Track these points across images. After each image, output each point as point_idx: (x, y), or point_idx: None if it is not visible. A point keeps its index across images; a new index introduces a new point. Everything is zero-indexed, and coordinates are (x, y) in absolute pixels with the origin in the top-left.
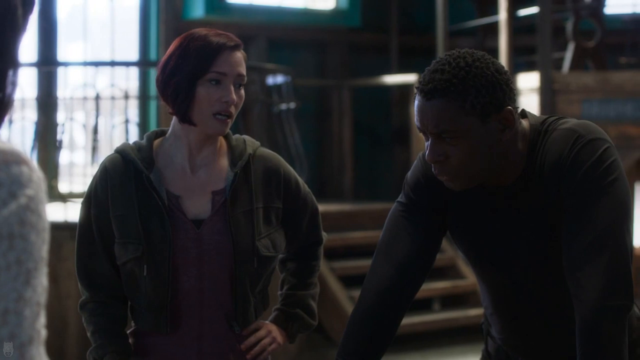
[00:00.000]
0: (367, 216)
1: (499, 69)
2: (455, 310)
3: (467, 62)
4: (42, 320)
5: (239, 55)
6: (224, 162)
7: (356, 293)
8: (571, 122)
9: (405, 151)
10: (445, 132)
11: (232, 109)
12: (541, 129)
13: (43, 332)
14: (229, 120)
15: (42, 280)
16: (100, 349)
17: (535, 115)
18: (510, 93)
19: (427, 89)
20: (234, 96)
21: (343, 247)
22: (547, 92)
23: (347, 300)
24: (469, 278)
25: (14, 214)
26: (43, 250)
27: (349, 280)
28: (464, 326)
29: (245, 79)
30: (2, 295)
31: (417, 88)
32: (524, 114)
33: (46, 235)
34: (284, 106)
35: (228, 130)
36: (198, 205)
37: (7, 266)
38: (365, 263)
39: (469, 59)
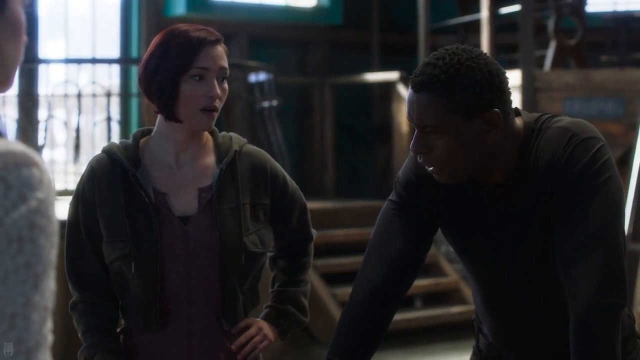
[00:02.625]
0: (349, 214)
1: (492, 70)
2: (437, 308)
3: (460, 59)
4: (49, 325)
5: (220, 49)
6: (211, 159)
7: (339, 291)
8: (565, 120)
9: (387, 149)
10: (428, 126)
11: (217, 103)
12: (535, 126)
13: (50, 337)
14: (214, 113)
15: (50, 284)
16: (91, 349)
17: (528, 113)
18: (502, 95)
19: (416, 81)
20: (218, 90)
21: (325, 244)
22: (528, 90)
23: (329, 297)
24: (451, 275)
25: (23, 217)
26: (52, 254)
27: (331, 278)
28: (446, 323)
29: (228, 72)
30: (11, 299)
31: (410, 78)
32: (518, 112)
33: (55, 239)
34: (266, 104)
35: (214, 124)
36: (184, 202)
37: (16, 270)
38: (347, 261)
39: (464, 56)
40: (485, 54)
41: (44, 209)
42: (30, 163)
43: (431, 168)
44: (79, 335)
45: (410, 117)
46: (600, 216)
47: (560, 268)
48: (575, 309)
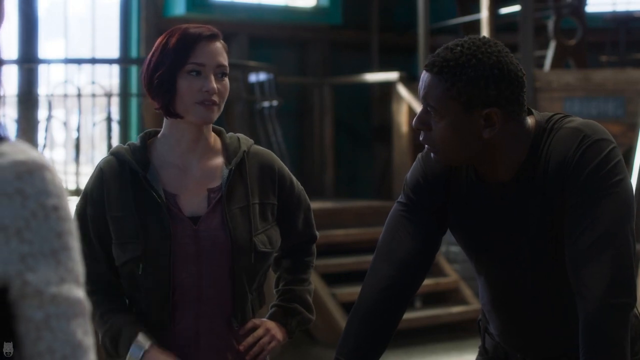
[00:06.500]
0: (349, 214)
1: (504, 69)
2: (437, 308)
3: (476, 50)
4: None
5: (218, 45)
6: (219, 159)
7: (338, 291)
8: (577, 121)
9: (386, 149)
10: (430, 106)
11: (216, 98)
12: (546, 126)
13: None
14: (213, 107)
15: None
16: (113, 327)
17: (540, 113)
18: (509, 95)
19: (430, 61)
20: (214, 85)
21: (325, 244)
22: (528, 90)
23: (329, 297)
24: (451, 276)
25: (50, 229)
26: (77, 246)
27: (331, 278)
28: (446, 323)
29: (227, 68)
30: (70, 304)
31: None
32: (530, 111)
33: (76, 231)
34: (266, 104)
35: (214, 118)
36: (194, 203)
37: (62, 280)
38: (346, 261)
39: (482, 48)
40: (507, 51)
41: (63, 214)
42: (41, 167)
43: (427, 147)
44: (94, 324)
45: (418, 92)
46: (611, 217)
47: (569, 268)
48: (585, 309)
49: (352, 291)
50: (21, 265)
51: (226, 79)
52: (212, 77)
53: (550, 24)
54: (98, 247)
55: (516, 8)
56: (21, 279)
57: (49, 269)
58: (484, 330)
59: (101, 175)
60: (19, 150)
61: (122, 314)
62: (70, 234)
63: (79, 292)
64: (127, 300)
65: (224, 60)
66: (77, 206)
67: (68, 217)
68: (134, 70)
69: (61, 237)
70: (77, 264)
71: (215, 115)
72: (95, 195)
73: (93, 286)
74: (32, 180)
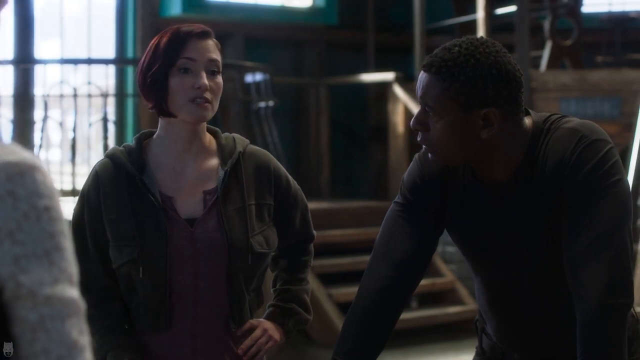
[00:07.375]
0: (345, 214)
1: (502, 69)
2: (433, 308)
3: (474, 50)
4: None
5: (210, 42)
6: (214, 160)
7: (335, 291)
8: (574, 121)
9: (382, 149)
10: (427, 106)
11: (208, 95)
12: (543, 127)
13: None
14: (206, 104)
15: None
16: (101, 349)
17: (537, 113)
18: (507, 96)
19: (428, 61)
20: (205, 81)
21: (321, 245)
22: (524, 90)
23: (325, 298)
24: (447, 276)
25: (42, 230)
26: (71, 246)
27: (327, 278)
28: (443, 323)
29: (219, 64)
30: (64, 304)
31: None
32: (527, 111)
33: (68, 231)
34: (262, 104)
35: (208, 116)
36: (190, 205)
37: (55, 281)
38: (343, 261)
39: (480, 48)
40: (505, 52)
41: (55, 214)
42: (31, 168)
43: (425, 147)
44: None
45: (416, 92)
46: (608, 218)
47: (567, 268)
48: (583, 309)
49: (348, 291)
50: (14, 267)
51: (219, 77)
52: (204, 74)
53: (546, 25)
54: (95, 250)
55: (512, 8)
56: (14, 281)
57: (42, 269)
58: (481, 330)
59: (97, 178)
60: (10, 152)
61: (113, 335)
62: (63, 234)
63: (73, 292)
64: (124, 304)
65: (216, 56)
66: (74, 210)
67: (60, 217)
68: (130, 70)
69: (53, 238)
70: (70, 263)
71: (209, 114)
72: (91, 199)
73: (85, 292)
74: (23, 181)
